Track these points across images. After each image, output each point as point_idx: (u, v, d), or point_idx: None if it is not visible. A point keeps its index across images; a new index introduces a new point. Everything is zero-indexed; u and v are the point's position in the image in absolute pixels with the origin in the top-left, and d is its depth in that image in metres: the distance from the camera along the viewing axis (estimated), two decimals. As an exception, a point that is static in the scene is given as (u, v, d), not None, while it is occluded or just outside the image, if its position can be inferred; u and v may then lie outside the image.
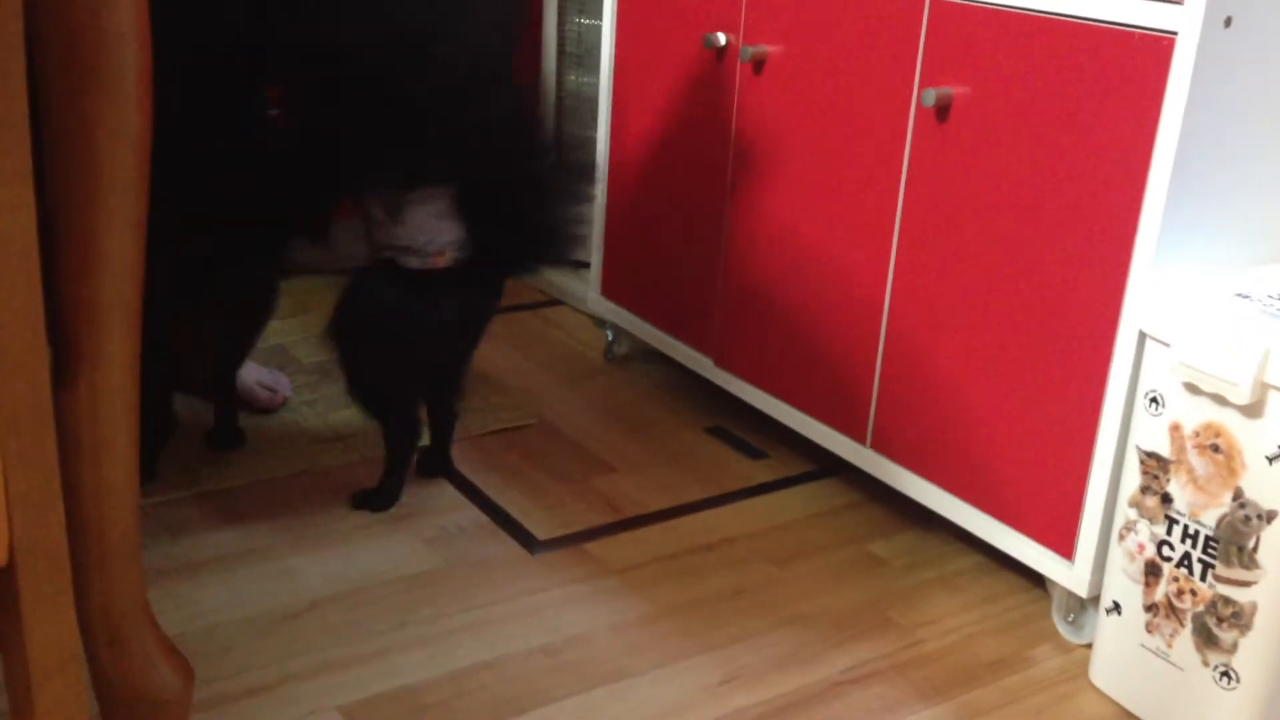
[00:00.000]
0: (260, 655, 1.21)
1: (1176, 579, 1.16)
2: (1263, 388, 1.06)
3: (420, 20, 1.30)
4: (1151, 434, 1.17)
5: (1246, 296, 1.16)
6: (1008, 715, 1.21)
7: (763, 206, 1.62)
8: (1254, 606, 1.10)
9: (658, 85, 1.79)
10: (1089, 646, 1.30)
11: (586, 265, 2.11)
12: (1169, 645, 1.17)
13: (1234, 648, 1.12)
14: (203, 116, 1.35)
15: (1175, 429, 1.14)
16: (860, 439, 1.53)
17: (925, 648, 1.31)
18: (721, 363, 1.73)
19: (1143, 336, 1.18)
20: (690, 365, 1.80)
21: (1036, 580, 1.43)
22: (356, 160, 1.37)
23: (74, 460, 0.87)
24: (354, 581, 1.35)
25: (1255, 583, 1.09)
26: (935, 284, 1.39)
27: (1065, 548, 1.29)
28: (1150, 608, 1.19)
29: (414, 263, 1.38)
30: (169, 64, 1.02)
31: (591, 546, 1.44)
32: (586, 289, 2.09)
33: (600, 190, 1.95)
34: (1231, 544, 1.11)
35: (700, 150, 1.72)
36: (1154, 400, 1.16)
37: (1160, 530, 1.17)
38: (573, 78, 2.15)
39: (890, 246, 1.44)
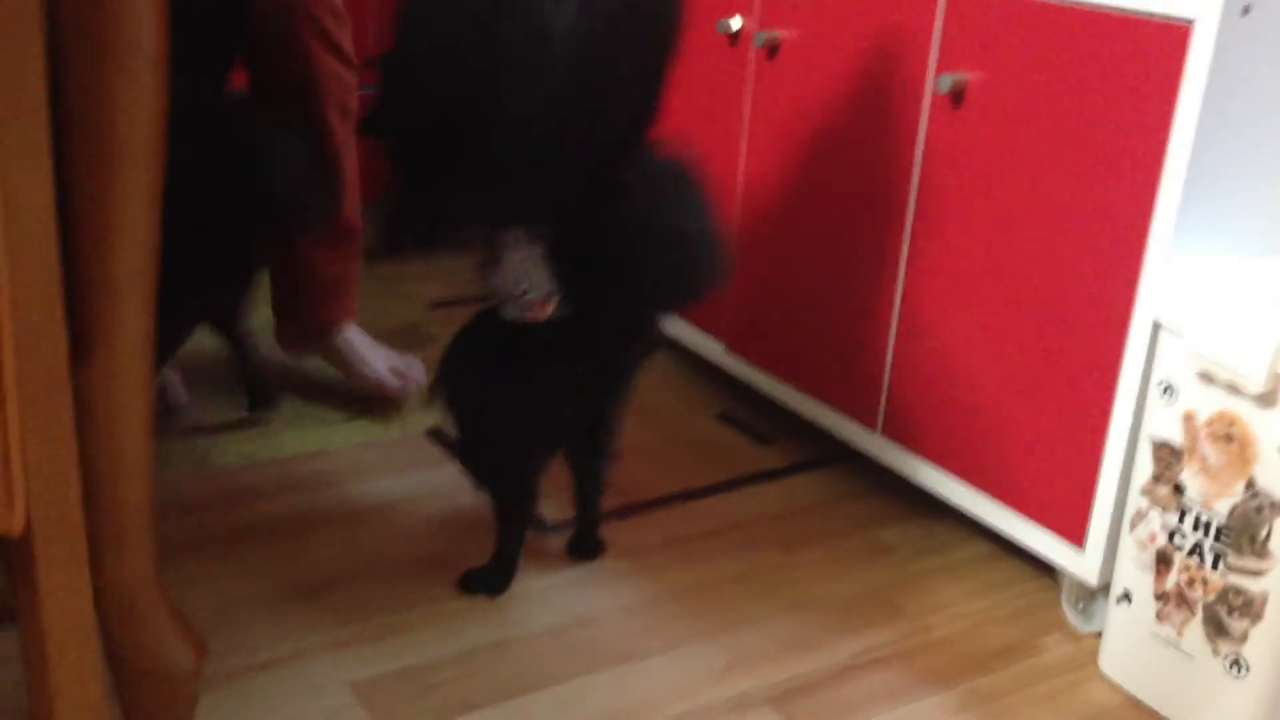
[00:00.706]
0: (272, 631, 1.22)
1: (1188, 568, 1.16)
2: (1277, 378, 1.06)
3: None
4: (1165, 423, 1.16)
5: (1262, 286, 1.15)
6: (1016, 703, 1.21)
7: (774, 192, 1.61)
8: (1265, 596, 1.10)
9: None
10: (1098, 635, 1.30)
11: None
12: (1179, 634, 1.17)
13: (1244, 637, 1.12)
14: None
15: (1188, 418, 1.14)
16: (871, 425, 1.52)
17: (933, 634, 1.31)
18: (733, 348, 1.73)
19: (1156, 326, 1.18)
20: (700, 351, 1.80)
21: (1046, 568, 1.43)
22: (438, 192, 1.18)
23: (89, 434, 0.88)
24: (364, 561, 1.35)
25: (1267, 572, 1.09)
26: (949, 271, 1.39)
27: (1076, 535, 1.29)
28: (1161, 596, 1.18)
29: (511, 312, 1.21)
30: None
31: (601, 530, 1.44)
32: (598, 274, 2.09)
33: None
34: (1244, 534, 1.10)
35: (712, 135, 1.71)
36: (1167, 389, 1.16)
37: (1172, 519, 1.16)
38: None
39: (903, 233, 1.44)
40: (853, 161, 1.49)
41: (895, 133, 1.43)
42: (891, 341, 1.48)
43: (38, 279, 0.80)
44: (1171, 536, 1.17)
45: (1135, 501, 1.20)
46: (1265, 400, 1.07)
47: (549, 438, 1.28)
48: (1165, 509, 1.17)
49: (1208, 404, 1.12)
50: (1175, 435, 1.15)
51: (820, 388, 1.59)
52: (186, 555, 1.33)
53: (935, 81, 1.37)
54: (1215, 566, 1.13)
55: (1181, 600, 1.17)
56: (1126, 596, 1.22)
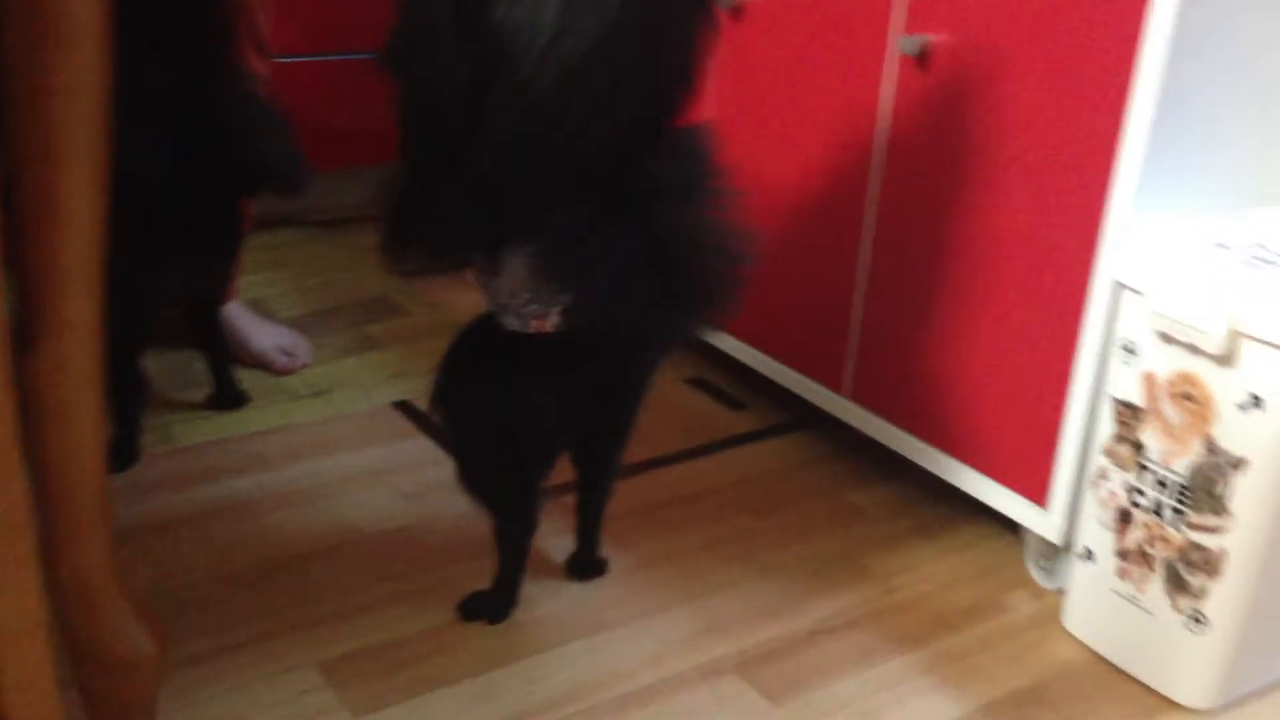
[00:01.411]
0: (237, 612, 1.22)
1: (1148, 526, 1.16)
2: (1234, 336, 1.06)
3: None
4: (1126, 383, 1.17)
5: (1226, 245, 1.15)
6: (983, 661, 1.22)
7: (740, 153, 1.60)
8: (1224, 552, 1.11)
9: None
10: (1062, 592, 1.31)
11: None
12: (1140, 591, 1.18)
13: (1204, 593, 1.13)
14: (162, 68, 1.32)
15: (1149, 378, 1.15)
16: (837, 389, 1.53)
17: (901, 595, 1.32)
18: (700, 313, 1.73)
19: (1118, 286, 1.18)
20: (669, 316, 1.79)
21: (1012, 527, 1.44)
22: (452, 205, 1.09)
23: (39, 424, 0.87)
24: (332, 538, 1.35)
25: (1226, 529, 1.10)
26: (914, 233, 1.39)
27: (1039, 495, 1.30)
28: (1122, 554, 1.20)
29: (512, 324, 1.13)
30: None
31: (571, 499, 1.44)
32: (565, 239, 2.07)
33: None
34: (1203, 491, 1.11)
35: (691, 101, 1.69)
36: (1128, 349, 1.16)
37: (1132, 478, 1.17)
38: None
39: (868, 195, 1.43)
40: (818, 125, 1.48)
41: (860, 95, 1.42)
42: (858, 306, 1.47)
43: (-23, 268, 0.79)
44: (1132, 495, 1.18)
45: (1097, 461, 1.21)
46: (1224, 360, 1.08)
47: (550, 454, 1.21)
48: (1126, 468, 1.18)
49: (1168, 364, 1.12)
50: (1136, 395, 1.16)
51: (788, 353, 1.59)
52: (150, 537, 1.33)
53: (900, 43, 1.36)
54: (1175, 524, 1.14)
55: (1142, 557, 1.18)
56: (1089, 554, 1.23)
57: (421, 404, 1.64)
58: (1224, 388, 1.08)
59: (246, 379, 1.66)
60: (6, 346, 0.80)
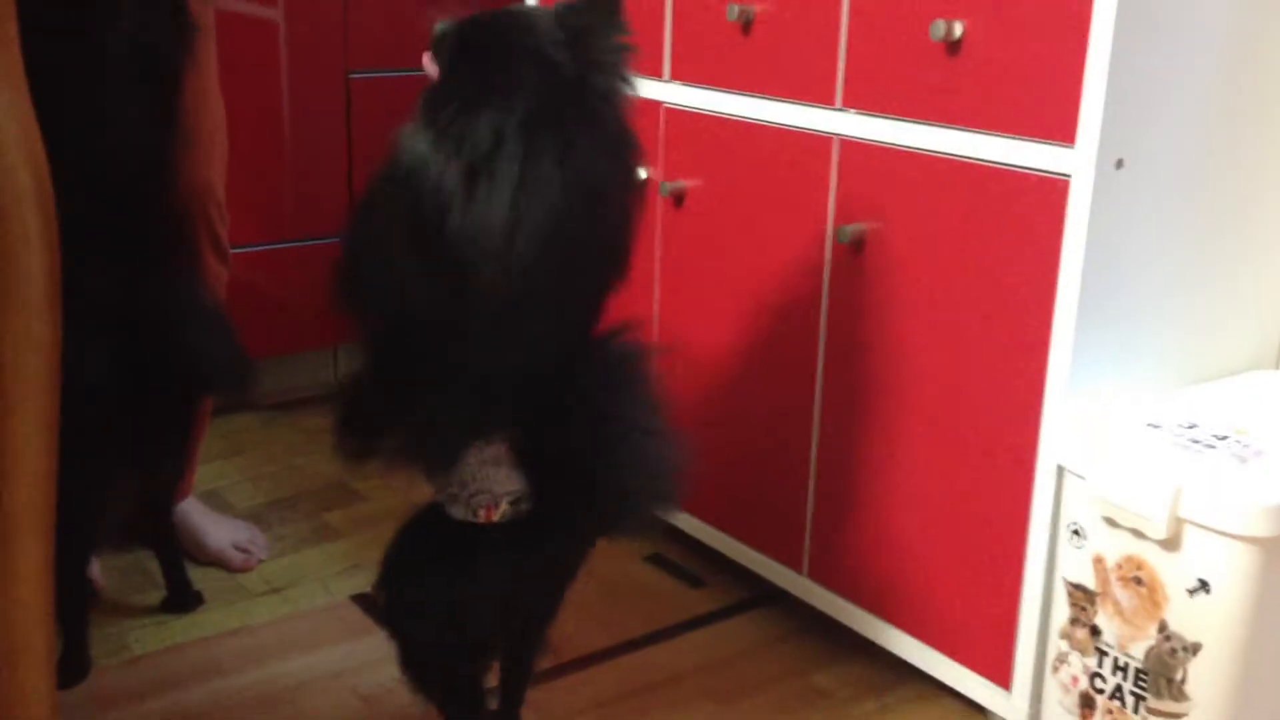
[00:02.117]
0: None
1: (1110, 711, 1.16)
2: (1178, 522, 1.08)
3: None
4: (1076, 566, 1.18)
5: (1157, 426, 1.18)
6: None
7: (690, 336, 1.63)
8: (1187, 738, 1.11)
9: (582, 217, 1.81)
10: (1033, 774, 1.30)
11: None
12: (1109, 776, 1.18)
13: (1171, 779, 1.12)
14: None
15: (1099, 561, 1.16)
16: (797, 568, 1.53)
17: (871, 785, 1.30)
18: (658, 490, 1.73)
19: (1061, 469, 1.20)
20: (628, 492, 1.80)
21: (980, 709, 1.43)
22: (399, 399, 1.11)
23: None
24: (289, 750, 1.32)
25: (1185, 715, 1.10)
26: (861, 416, 1.41)
27: (1002, 678, 1.30)
28: (1088, 738, 1.19)
29: (458, 513, 1.15)
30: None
31: (533, 694, 1.42)
32: (523, 413, 2.09)
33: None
34: (1160, 676, 1.12)
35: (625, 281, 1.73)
36: (1076, 532, 1.18)
37: (1092, 662, 1.18)
38: (500, 204, 2.17)
39: (815, 377, 1.46)
40: (762, 307, 1.52)
41: (801, 281, 1.46)
42: (811, 484, 1.49)
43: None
44: (1093, 679, 1.18)
45: (1055, 644, 1.21)
46: (1169, 545, 1.10)
47: (497, 640, 1.21)
48: (1084, 652, 1.18)
49: (1115, 547, 1.14)
50: (1087, 578, 1.17)
51: (746, 531, 1.60)
52: (102, 759, 1.29)
53: (835, 232, 1.41)
54: (1136, 709, 1.14)
55: (1108, 743, 1.17)
56: (1056, 739, 1.22)
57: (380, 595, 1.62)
58: (1171, 572, 1.10)
59: (202, 577, 1.64)
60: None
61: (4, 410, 0.90)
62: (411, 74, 2.20)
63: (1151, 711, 1.13)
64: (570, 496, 1.14)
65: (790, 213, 1.46)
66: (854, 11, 1.35)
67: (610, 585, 1.68)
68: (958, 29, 1.23)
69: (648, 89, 1.64)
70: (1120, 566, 1.14)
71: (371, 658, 1.49)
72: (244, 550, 1.68)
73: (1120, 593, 1.14)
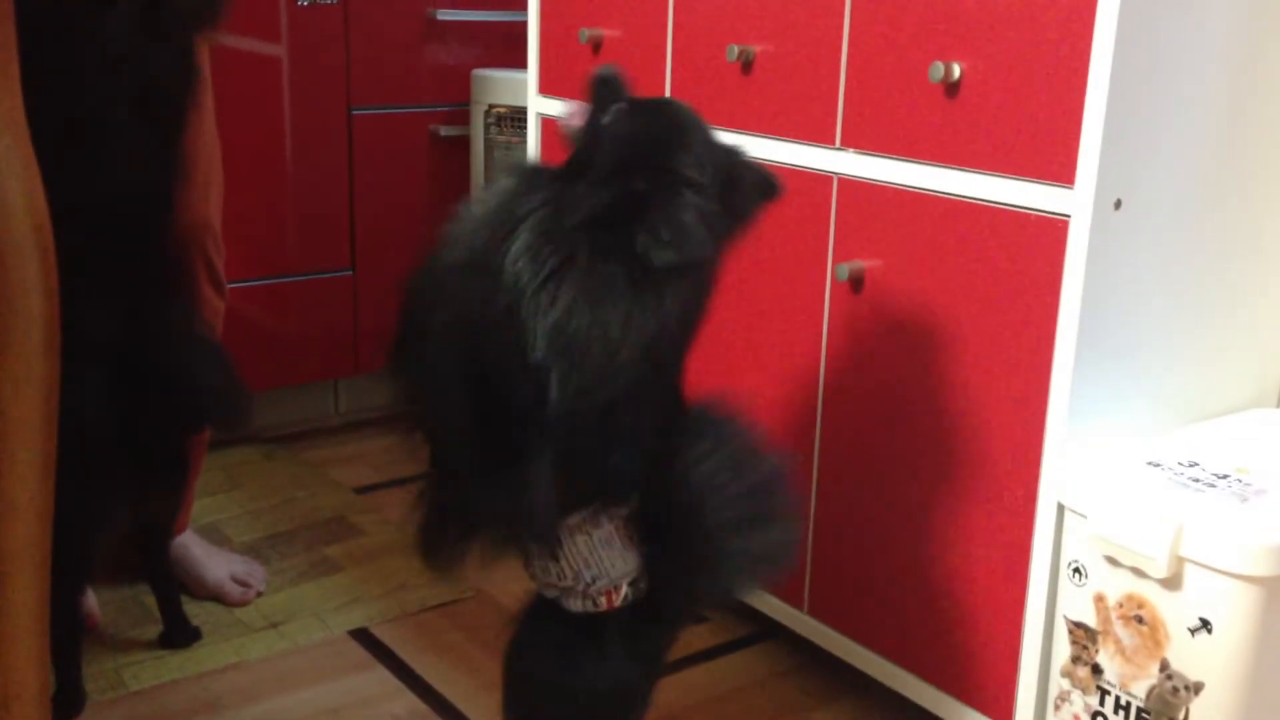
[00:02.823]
0: None
1: (1113, 751, 1.16)
2: (1179, 561, 1.08)
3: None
4: (1077, 604, 1.18)
5: (1158, 464, 1.19)
6: None
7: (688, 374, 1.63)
8: (1190, 778, 1.10)
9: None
10: (1035, 815, 1.29)
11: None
12: (1111, 817, 1.17)
13: (1174, 820, 1.12)
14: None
15: (1100, 599, 1.16)
16: (798, 605, 1.52)
17: (872, 825, 1.29)
18: (658, 525, 1.73)
19: (1061, 508, 1.20)
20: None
21: (980, 744, 1.42)
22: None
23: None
24: (286, 788, 1.31)
25: (1188, 755, 1.10)
26: (861, 452, 1.42)
27: (1004, 716, 1.29)
28: (1090, 779, 1.18)
29: (576, 605, 1.09)
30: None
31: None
32: (522, 447, 2.09)
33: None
34: (1162, 715, 1.11)
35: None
36: (1077, 570, 1.18)
37: (1094, 701, 1.17)
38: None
39: (815, 413, 1.46)
40: (763, 345, 1.52)
41: (800, 317, 1.47)
42: (812, 520, 1.49)
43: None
44: (1095, 718, 1.17)
45: (1057, 683, 1.21)
46: (1170, 583, 1.10)
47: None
48: (1086, 691, 1.18)
49: (1116, 586, 1.14)
50: (1088, 617, 1.17)
51: (745, 566, 1.59)
52: (98, 797, 1.28)
53: (834, 270, 1.41)
54: (1139, 750, 1.14)
55: (1111, 783, 1.17)
56: (1058, 779, 1.22)
57: (379, 630, 1.61)
58: (1173, 611, 1.10)
59: (200, 611, 1.63)
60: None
61: (1, 451, 0.90)
62: (413, 110, 2.23)
63: (1154, 752, 1.12)
64: (686, 570, 1.10)
65: (789, 251, 1.47)
66: (853, 52, 1.36)
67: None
68: (956, 70, 1.24)
69: (649, 126, 1.65)
70: (1121, 605, 1.14)
71: (369, 694, 1.48)
72: (242, 584, 1.68)
73: (1122, 631, 1.14)
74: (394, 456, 2.19)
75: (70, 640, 1.42)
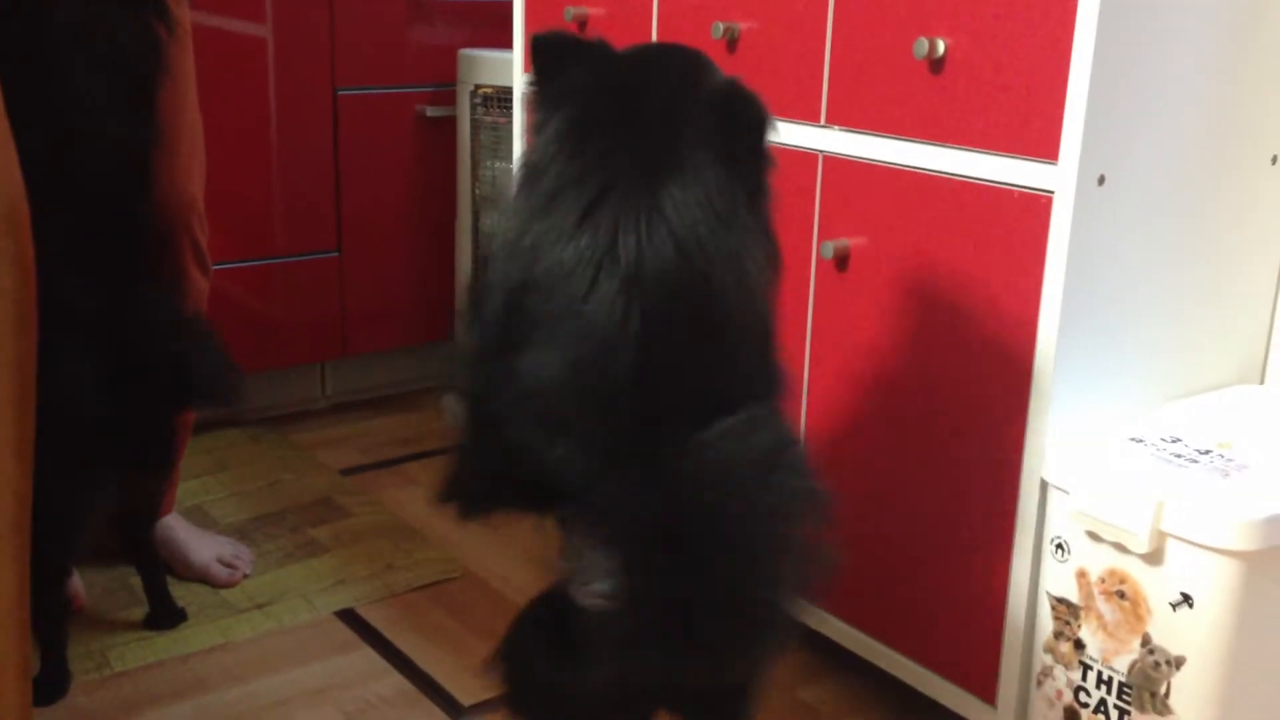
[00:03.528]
0: None
1: (1095, 725, 1.16)
2: (1160, 536, 1.09)
3: None
4: (1060, 580, 1.18)
5: (1141, 441, 1.19)
6: None
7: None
8: (1171, 752, 1.11)
9: (569, 232, 1.81)
10: (1018, 790, 1.30)
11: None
12: (1093, 791, 1.18)
13: (1155, 794, 1.12)
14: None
15: (1082, 575, 1.16)
16: (783, 583, 1.53)
17: (857, 801, 1.29)
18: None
19: (1044, 484, 1.21)
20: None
21: (964, 720, 1.43)
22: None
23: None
24: (271, 767, 1.31)
25: (1170, 729, 1.10)
26: (845, 430, 1.42)
27: (988, 693, 1.29)
28: (1073, 753, 1.19)
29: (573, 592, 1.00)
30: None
31: (517, 711, 1.42)
32: (510, 429, 2.08)
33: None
34: (1144, 690, 1.12)
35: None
36: (1060, 546, 1.18)
37: (1076, 676, 1.18)
38: (488, 221, 2.18)
39: (801, 392, 1.46)
40: (747, 323, 1.52)
41: (785, 295, 1.46)
42: (797, 499, 1.49)
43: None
44: (1077, 693, 1.18)
45: (1040, 658, 1.21)
46: (1152, 558, 1.10)
47: None
48: (1068, 666, 1.18)
49: (1098, 561, 1.14)
50: (1071, 592, 1.17)
51: (731, 545, 1.59)
52: (82, 776, 1.28)
53: (819, 247, 1.41)
54: (1121, 724, 1.14)
55: (1093, 758, 1.17)
56: (1041, 754, 1.22)
57: (366, 611, 1.61)
58: (1154, 586, 1.10)
59: (185, 592, 1.63)
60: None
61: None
62: (399, 90, 2.22)
63: (1135, 726, 1.13)
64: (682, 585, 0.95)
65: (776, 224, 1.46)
66: (838, 29, 1.35)
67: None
68: (941, 47, 1.24)
69: (634, 105, 1.64)
70: (1104, 580, 1.14)
71: (356, 673, 1.48)
72: (229, 566, 1.67)
73: (1104, 607, 1.14)
74: (381, 438, 2.19)
75: (56, 622, 1.42)
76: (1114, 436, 1.19)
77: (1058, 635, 1.19)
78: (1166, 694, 1.10)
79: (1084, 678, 1.17)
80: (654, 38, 1.59)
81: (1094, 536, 1.14)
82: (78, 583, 1.61)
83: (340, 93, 2.15)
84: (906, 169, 1.30)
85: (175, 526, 1.68)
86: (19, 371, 0.85)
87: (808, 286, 1.43)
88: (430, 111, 2.24)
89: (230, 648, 1.53)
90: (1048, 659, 1.20)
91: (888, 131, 1.32)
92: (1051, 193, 1.18)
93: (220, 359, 1.45)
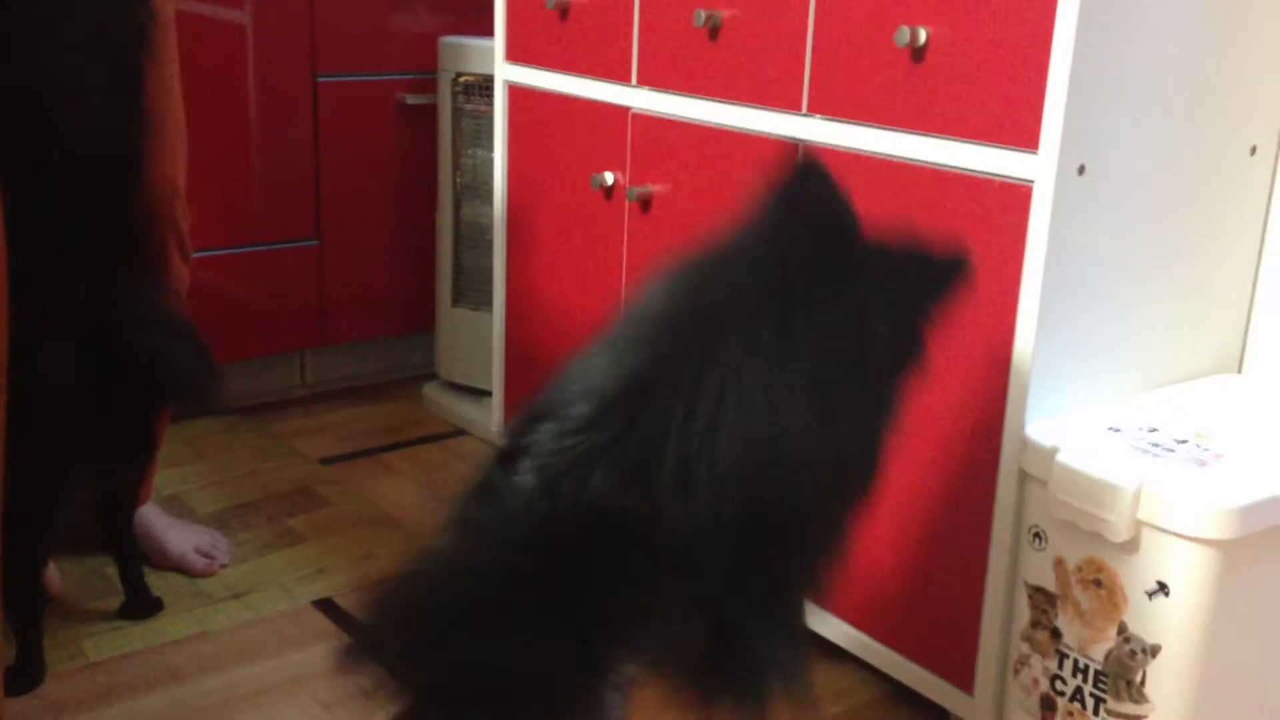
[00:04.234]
0: None
1: (1071, 713, 1.17)
2: (1137, 524, 1.09)
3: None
4: (1037, 569, 1.19)
5: (1118, 430, 1.19)
6: None
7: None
8: (1146, 740, 1.11)
9: (550, 219, 1.81)
10: (995, 778, 1.30)
11: (488, 394, 2.10)
12: (1070, 779, 1.18)
13: (1131, 781, 1.13)
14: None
15: (1059, 564, 1.16)
16: (762, 572, 1.53)
17: (835, 790, 1.29)
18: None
19: (1022, 473, 1.21)
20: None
21: (942, 711, 1.43)
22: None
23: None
24: (248, 757, 1.30)
25: (1145, 717, 1.11)
26: (825, 419, 1.41)
27: (965, 681, 1.30)
28: (1049, 741, 1.19)
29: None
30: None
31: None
32: (490, 418, 2.08)
33: (499, 320, 1.96)
34: (1120, 678, 1.12)
35: (595, 282, 1.73)
36: (1037, 535, 1.18)
37: (1052, 664, 1.18)
38: (468, 207, 2.17)
39: (780, 382, 1.46)
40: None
41: (765, 285, 1.46)
42: (776, 488, 1.49)
43: None
44: (1053, 682, 1.18)
45: (1017, 647, 1.22)
46: (1128, 547, 1.10)
47: None
48: (1045, 655, 1.19)
49: (1075, 550, 1.15)
50: (1048, 581, 1.18)
51: (711, 535, 1.59)
52: (56, 766, 1.27)
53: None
54: (1096, 712, 1.14)
55: (1069, 746, 1.18)
56: (1018, 742, 1.23)
57: (344, 600, 1.61)
58: (1131, 574, 1.10)
59: (162, 582, 1.62)
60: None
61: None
62: (380, 77, 2.20)
63: (1111, 714, 1.13)
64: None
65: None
66: (820, 18, 1.35)
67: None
68: (922, 35, 1.24)
69: (614, 94, 1.64)
70: (1080, 569, 1.14)
71: (332, 664, 1.47)
72: (206, 555, 1.66)
73: (1080, 595, 1.15)
74: (360, 428, 2.17)
75: (31, 611, 1.41)
76: (1092, 425, 1.19)
77: (1035, 624, 1.19)
78: (1142, 682, 1.10)
79: (1060, 666, 1.17)
80: (635, 25, 1.59)
81: (1071, 526, 1.14)
82: (53, 572, 1.59)
83: (320, 80, 2.13)
84: (887, 158, 1.30)
85: (152, 516, 1.66)
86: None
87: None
88: (411, 99, 2.23)
89: (207, 637, 1.52)
90: (1024, 648, 1.21)
91: (869, 120, 1.32)
92: (1032, 182, 1.18)
93: (199, 355, 1.44)
